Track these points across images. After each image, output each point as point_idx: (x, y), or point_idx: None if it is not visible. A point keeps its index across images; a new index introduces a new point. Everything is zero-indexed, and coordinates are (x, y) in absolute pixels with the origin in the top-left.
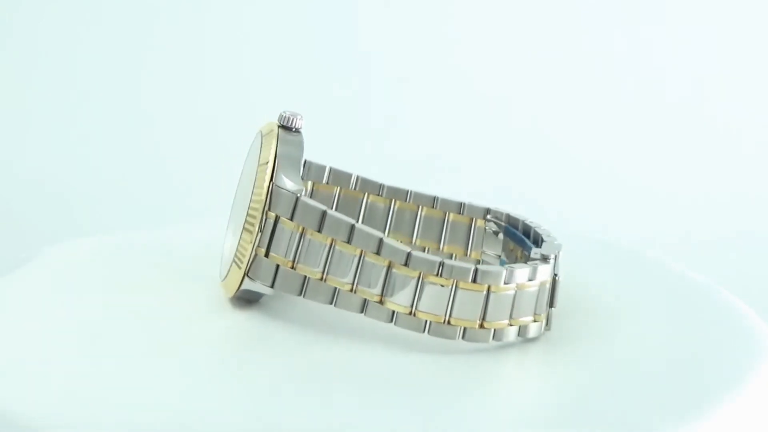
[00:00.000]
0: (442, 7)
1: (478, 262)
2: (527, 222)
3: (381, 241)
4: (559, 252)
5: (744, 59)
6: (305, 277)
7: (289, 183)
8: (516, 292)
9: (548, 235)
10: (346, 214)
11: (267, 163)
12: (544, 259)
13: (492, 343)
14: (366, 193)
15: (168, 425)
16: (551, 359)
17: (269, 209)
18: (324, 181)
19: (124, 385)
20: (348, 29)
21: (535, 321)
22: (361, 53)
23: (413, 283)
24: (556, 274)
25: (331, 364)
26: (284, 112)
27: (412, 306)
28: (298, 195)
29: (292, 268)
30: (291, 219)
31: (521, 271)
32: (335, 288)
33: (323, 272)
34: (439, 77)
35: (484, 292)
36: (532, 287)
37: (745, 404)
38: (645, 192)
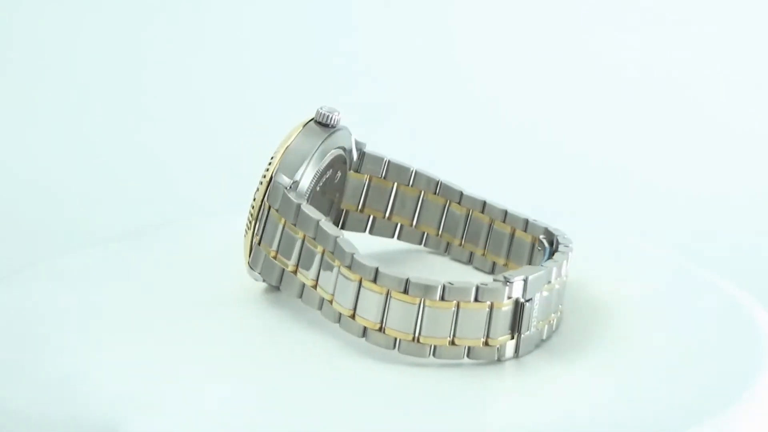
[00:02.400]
0: (443, 6)
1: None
2: (560, 237)
3: (335, 240)
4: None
5: (746, 57)
6: (282, 268)
7: (284, 177)
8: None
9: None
10: (401, 213)
11: (273, 156)
12: (506, 281)
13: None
14: (422, 191)
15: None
16: (561, 363)
17: (267, 200)
18: (381, 175)
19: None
20: (348, 29)
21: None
22: (362, 53)
23: (354, 286)
24: (522, 300)
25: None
26: (321, 108)
27: (381, 323)
28: (286, 188)
29: (274, 258)
30: (277, 211)
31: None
32: (303, 283)
33: (296, 265)
34: (439, 76)
35: (453, 309)
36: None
37: (755, 401)
38: (645, 190)
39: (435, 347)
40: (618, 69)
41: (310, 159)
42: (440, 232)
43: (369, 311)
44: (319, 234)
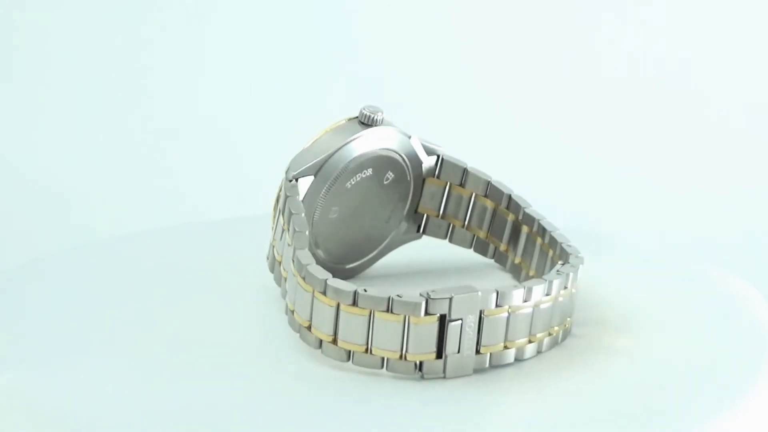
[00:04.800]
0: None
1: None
2: (572, 255)
3: (294, 251)
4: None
5: (748, 56)
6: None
7: (290, 173)
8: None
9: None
10: (477, 224)
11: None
12: (427, 296)
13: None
14: (497, 204)
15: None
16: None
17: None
18: (459, 183)
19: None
20: (349, 29)
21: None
22: (362, 52)
23: (308, 296)
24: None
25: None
26: (364, 108)
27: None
28: (288, 195)
29: (279, 264)
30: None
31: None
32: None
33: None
34: (439, 75)
35: (367, 316)
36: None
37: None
38: (646, 189)
39: (352, 353)
40: (617, 69)
41: (330, 156)
42: (502, 245)
43: (304, 311)
44: (294, 238)
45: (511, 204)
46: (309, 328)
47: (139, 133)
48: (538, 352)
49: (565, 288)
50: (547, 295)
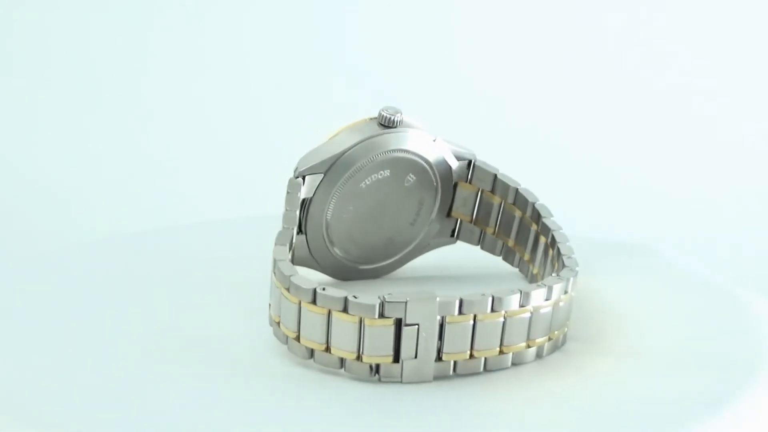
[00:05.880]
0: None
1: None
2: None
3: (274, 245)
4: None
5: (750, 56)
6: None
7: (291, 179)
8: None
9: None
10: (505, 232)
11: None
12: (383, 299)
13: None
14: (523, 213)
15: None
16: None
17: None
18: (490, 189)
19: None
20: (349, 29)
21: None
22: (363, 52)
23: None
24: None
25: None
26: (383, 110)
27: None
28: (288, 191)
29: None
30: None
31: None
32: None
33: None
34: (439, 75)
35: (324, 315)
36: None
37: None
38: (645, 189)
39: (313, 351)
40: (618, 69)
41: (341, 154)
42: (526, 255)
43: (275, 308)
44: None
45: (534, 213)
46: (279, 324)
47: (139, 132)
48: (514, 363)
49: (547, 300)
50: (522, 306)
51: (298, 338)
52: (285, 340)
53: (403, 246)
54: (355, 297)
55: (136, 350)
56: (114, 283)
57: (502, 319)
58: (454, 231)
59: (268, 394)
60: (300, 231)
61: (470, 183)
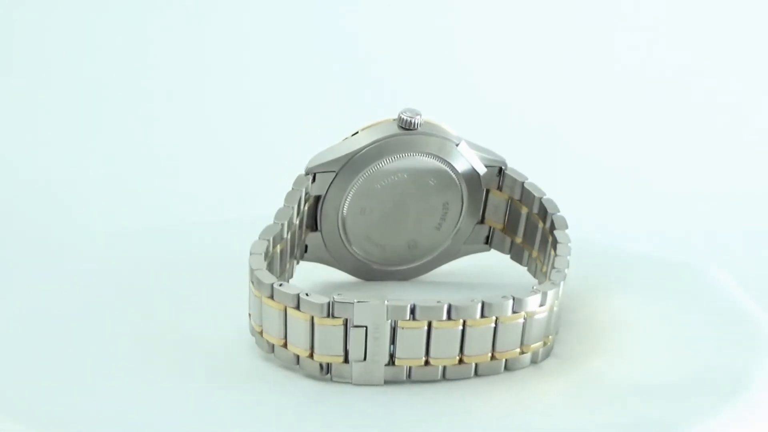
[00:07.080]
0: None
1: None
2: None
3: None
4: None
5: (752, 56)
6: None
7: (300, 175)
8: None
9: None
10: (530, 242)
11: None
12: (331, 299)
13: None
14: (544, 224)
15: None
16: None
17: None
18: (518, 197)
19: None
20: (350, 29)
21: None
22: (363, 52)
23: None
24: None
25: None
26: (402, 112)
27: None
28: (293, 187)
29: None
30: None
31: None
32: None
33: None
34: (440, 74)
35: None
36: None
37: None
38: (645, 189)
39: (274, 346)
40: (619, 68)
41: (354, 153)
42: (544, 266)
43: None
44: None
45: (551, 225)
46: (250, 317)
47: (139, 132)
48: (476, 374)
49: (515, 313)
50: (483, 317)
51: (261, 333)
52: (252, 331)
53: (429, 250)
54: (307, 295)
55: (136, 351)
56: (114, 283)
57: (460, 328)
58: (488, 238)
59: (257, 393)
60: (315, 228)
61: (501, 190)
